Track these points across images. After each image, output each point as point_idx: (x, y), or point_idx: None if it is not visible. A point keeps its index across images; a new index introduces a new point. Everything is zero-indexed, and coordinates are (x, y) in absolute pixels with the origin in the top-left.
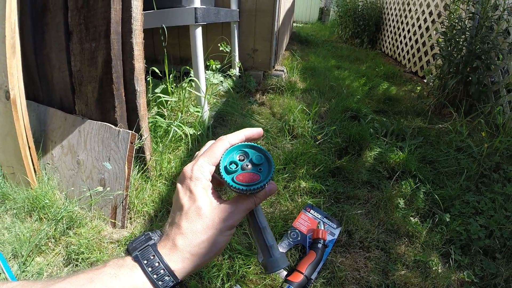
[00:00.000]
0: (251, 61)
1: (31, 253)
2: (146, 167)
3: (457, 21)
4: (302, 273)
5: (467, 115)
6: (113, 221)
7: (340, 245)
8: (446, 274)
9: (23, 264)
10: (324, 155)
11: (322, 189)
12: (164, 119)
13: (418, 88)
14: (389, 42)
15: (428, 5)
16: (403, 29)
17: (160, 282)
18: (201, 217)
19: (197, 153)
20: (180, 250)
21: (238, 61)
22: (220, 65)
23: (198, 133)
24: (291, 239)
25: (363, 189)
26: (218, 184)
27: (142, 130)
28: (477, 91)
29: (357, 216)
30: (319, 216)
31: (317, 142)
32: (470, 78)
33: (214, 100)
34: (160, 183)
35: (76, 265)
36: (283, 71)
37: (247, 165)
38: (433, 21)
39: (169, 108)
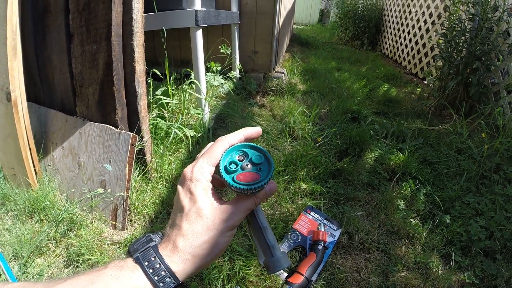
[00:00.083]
0: (252, 63)
1: (31, 254)
2: (146, 169)
3: (457, 22)
4: (302, 275)
5: (467, 117)
6: (113, 222)
7: (341, 246)
8: (447, 276)
9: (23, 266)
10: (324, 157)
11: (323, 191)
12: (165, 121)
13: (418, 89)
14: (389, 44)
15: (428, 7)
16: (403, 31)
17: (161, 284)
18: (201, 218)
19: (198, 155)
20: (181, 252)
21: (238, 63)
22: (220, 67)
23: (199, 135)
24: (291, 241)
25: (363, 191)
26: (219, 185)
27: (142, 132)
28: (477, 92)
29: (357, 217)
30: (320, 218)
31: (318, 144)
32: (470, 80)
33: (215, 102)
34: (160, 185)
35: (77, 266)
36: (283, 73)
37: (247, 165)
38: (433, 23)
39: (170, 110)
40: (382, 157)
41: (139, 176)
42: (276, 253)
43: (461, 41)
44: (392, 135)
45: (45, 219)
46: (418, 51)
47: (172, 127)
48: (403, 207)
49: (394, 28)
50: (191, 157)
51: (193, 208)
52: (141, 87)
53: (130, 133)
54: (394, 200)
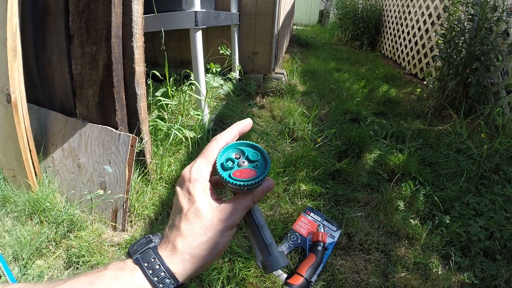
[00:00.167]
0: (251, 64)
1: (31, 256)
2: (146, 170)
3: (456, 23)
4: (302, 276)
5: (466, 117)
6: (113, 224)
7: (340, 247)
8: (447, 276)
9: (23, 267)
10: (324, 157)
11: (322, 191)
12: (165, 122)
13: (418, 90)
14: (389, 44)
15: (427, 7)
16: (403, 31)
17: (160, 285)
18: (200, 219)
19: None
20: (180, 252)
21: (238, 64)
22: (220, 68)
23: (199, 136)
24: (291, 242)
25: (363, 192)
26: (217, 185)
27: (142, 133)
28: (476, 92)
29: (357, 218)
30: (319, 219)
31: (317, 145)
32: (469, 80)
33: (214, 103)
34: (160, 186)
35: (77, 268)
36: (283, 74)
37: (243, 162)
38: (432, 23)
39: (170, 111)
40: (381, 158)
41: (139, 178)
42: (274, 251)
43: (461, 42)
44: (392, 135)
45: (45, 220)
46: (418, 52)
47: (171, 129)
48: (403, 208)
49: (393, 29)
50: (191, 158)
51: (191, 209)
52: (140, 89)
53: (130, 134)
54: (393, 200)
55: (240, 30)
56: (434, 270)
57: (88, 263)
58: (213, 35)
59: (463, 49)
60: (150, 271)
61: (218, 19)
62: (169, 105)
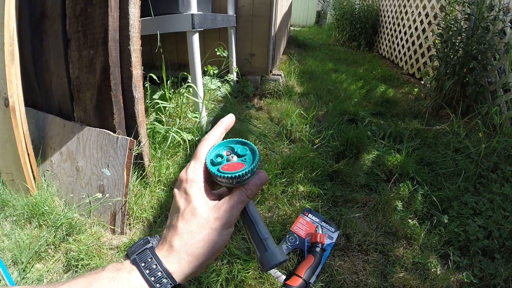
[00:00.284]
0: (249, 66)
1: (31, 259)
2: (144, 173)
3: (453, 22)
4: (300, 277)
5: (464, 116)
6: (112, 227)
7: (339, 248)
8: (445, 276)
9: (23, 271)
10: (321, 159)
11: (320, 193)
12: (162, 125)
13: (415, 90)
14: (386, 45)
15: (424, 7)
16: (400, 31)
17: (157, 285)
18: (195, 217)
19: None
20: (177, 251)
21: (235, 66)
22: (217, 71)
23: (196, 138)
24: (289, 244)
25: (361, 192)
26: (215, 186)
27: (140, 136)
28: (474, 91)
29: (355, 219)
30: (317, 220)
31: (315, 146)
32: (467, 79)
33: (212, 106)
34: (158, 189)
35: (76, 271)
36: (280, 75)
37: (232, 157)
38: (429, 23)
39: (167, 114)
40: (379, 158)
41: (137, 181)
42: (270, 246)
43: (458, 41)
44: (390, 136)
45: (44, 224)
46: (415, 52)
47: (169, 131)
48: (401, 208)
49: (390, 29)
50: (188, 160)
51: (187, 208)
52: (138, 92)
53: (127, 137)
54: (391, 201)
55: (237, 32)
56: (432, 270)
57: (87, 267)
58: (210, 37)
59: (460, 49)
60: (147, 271)
61: (215, 22)
62: (166, 108)
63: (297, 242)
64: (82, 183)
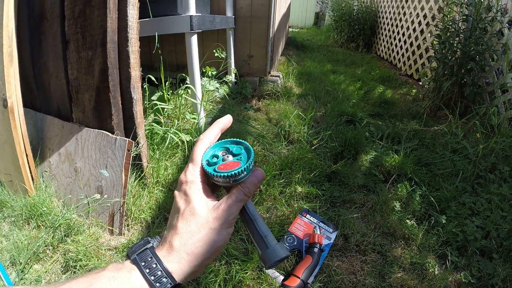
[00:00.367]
0: (247, 67)
1: (29, 260)
2: (143, 174)
3: (451, 23)
4: (298, 278)
5: (462, 117)
6: (110, 228)
7: (337, 249)
8: (443, 276)
9: (21, 272)
10: (320, 159)
11: (318, 193)
12: (161, 126)
13: (414, 91)
14: (384, 46)
15: (422, 8)
16: (398, 33)
17: (157, 284)
18: (195, 217)
19: None
20: (177, 251)
21: (234, 68)
22: (216, 72)
23: (195, 140)
24: (287, 244)
25: (359, 193)
26: (215, 188)
27: (138, 137)
28: (472, 92)
29: (353, 219)
30: (315, 221)
31: (313, 147)
32: (464, 80)
33: (210, 107)
34: (157, 190)
35: (74, 272)
36: (278, 76)
37: (227, 157)
38: (427, 24)
39: (166, 115)
40: (377, 159)
41: (136, 182)
42: (271, 243)
43: (455, 42)
44: (388, 136)
45: (42, 225)
46: (413, 53)
47: (168, 132)
48: (399, 209)
49: (389, 30)
50: (187, 162)
51: (187, 208)
52: (136, 93)
53: (126, 138)
54: (389, 201)
55: (236, 34)
56: (430, 270)
57: (85, 267)
58: (208, 38)
59: (458, 50)
60: (147, 270)
61: (214, 23)
62: (165, 109)
63: (295, 243)
64: (81, 184)
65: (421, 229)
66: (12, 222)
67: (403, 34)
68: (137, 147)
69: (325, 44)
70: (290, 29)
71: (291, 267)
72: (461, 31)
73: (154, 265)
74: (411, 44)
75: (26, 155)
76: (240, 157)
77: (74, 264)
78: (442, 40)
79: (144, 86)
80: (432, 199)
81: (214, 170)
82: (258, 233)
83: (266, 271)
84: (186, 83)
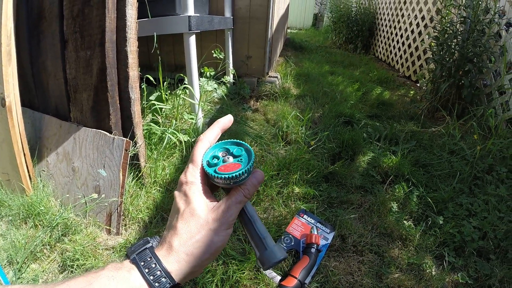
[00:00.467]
0: (245, 68)
1: (26, 259)
2: (140, 174)
3: (449, 25)
4: (296, 278)
5: (459, 118)
6: (108, 227)
7: (334, 249)
8: (440, 276)
9: (18, 271)
10: (317, 160)
11: (316, 194)
12: (159, 126)
13: (411, 92)
14: (383, 47)
15: (420, 10)
16: (396, 34)
17: (156, 284)
18: (194, 217)
19: None
20: (176, 251)
21: (232, 68)
22: (214, 72)
23: (192, 140)
24: (284, 244)
25: (356, 194)
26: (215, 188)
27: (136, 137)
28: (469, 94)
29: (351, 220)
30: (313, 221)
31: (311, 148)
32: (462, 82)
33: (208, 107)
34: (154, 190)
35: (72, 271)
36: (277, 77)
37: (228, 158)
38: (425, 26)
39: (164, 115)
40: (375, 160)
41: (133, 181)
42: (269, 244)
43: (453, 44)
44: (385, 138)
45: (39, 224)
46: (411, 54)
47: (165, 132)
48: (396, 209)
49: (387, 32)
50: (184, 162)
51: (187, 209)
52: (134, 93)
53: (124, 138)
54: (387, 202)
55: (234, 34)
56: (427, 271)
57: (82, 267)
58: (207, 39)
59: (456, 51)
60: (146, 270)
61: (212, 24)
62: (163, 109)
63: (293, 243)
64: (78, 184)
65: (418, 230)
66: (10, 221)
67: (401, 36)
68: (135, 147)
69: (323, 45)
70: (289, 30)
71: (289, 267)
72: (459, 33)
73: (154, 265)
74: (409, 46)
75: (24, 154)
76: (241, 159)
77: (71, 263)
78: (440, 42)
79: (142, 86)
80: (430, 200)
81: (215, 171)
82: (257, 234)
83: (263, 271)
84: (184, 83)
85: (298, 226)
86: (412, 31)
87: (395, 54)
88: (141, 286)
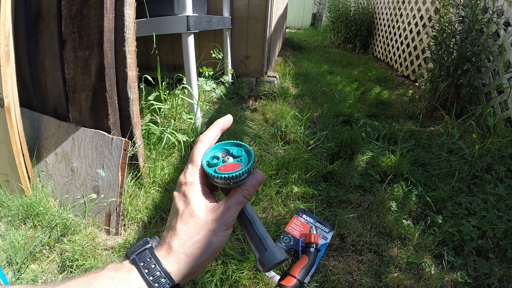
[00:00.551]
0: (244, 68)
1: (25, 260)
2: (139, 174)
3: (447, 24)
4: (295, 277)
5: (458, 118)
6: (107, 228)
7: (333, 249)
8: (439, 275)
9: (17, 272)
10: (316, 160)
11: (315, 193)
12: (157, 126)
13: (410, 91)
14: (381, 47)
15: (419, 10)
16: (395, 34)
17: (156, 284)
18: (194, 218)
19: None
20: (175, 252)
21: (230, 68)
22: (212, 72)
23: (191, 140)
24: (283, 244)
25: (355, 193)
26: (214, 189)
27: (135, 137)
28: (468, 93)
29: (350, 220)
30: (312, 221)
31: (309, 147)
32: (461, 81)
33: (207, 107)
34: (153, 190)
35: (71, 272)
36: (275, 77)
37: (228, 158)
38: (424, 25)
39: (162, 115)
40: (374, 159)
41: (132, 181)
42: (269, 246)
43: (452, 43)
44: (384, 137)
45: (38, 225)
46: (410, 54)
47: (164, 132)
48: (395, 209)
49: (385, 31)
50: (183, 162)
51: (186, 209)
52: (133, 93)
53: (122, 138)
54: (386, 201)
55: (233, 34)
56: (427, 270)
57: (82, 267)
58: (205, 39)
59: (454, 51)
60: (146, 270)
61: (211, 23)
62: (161, 109)
63: (291, 243)
64: (77, 184)
65: (417, 229)
66: (9, 222)
67: (400, 36)
68: (134, 147)
69: (322, 45)
70: (287, 30)
71: (287, 267)
72: (458, 32)
73: (153, 266)
74: (408, 45)
75: (23, 154)
76: (241, 159)
77: (71, 264)
78: (439, 41)
79: (141, 86)
80: (428, 199)
81: (215, 171)
82: (257, 235)
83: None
84: (183, 83)
85: (297, 226)
86: (411, 31)
87: (394, 53)
88: (140, 287)
